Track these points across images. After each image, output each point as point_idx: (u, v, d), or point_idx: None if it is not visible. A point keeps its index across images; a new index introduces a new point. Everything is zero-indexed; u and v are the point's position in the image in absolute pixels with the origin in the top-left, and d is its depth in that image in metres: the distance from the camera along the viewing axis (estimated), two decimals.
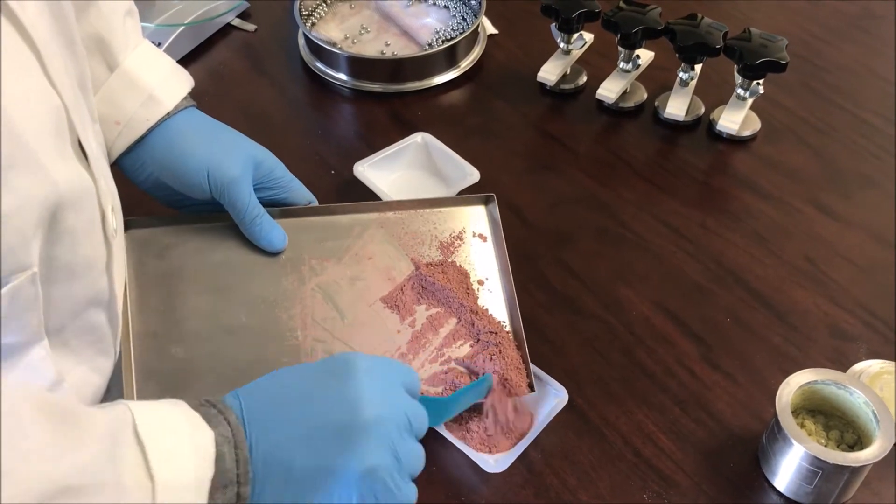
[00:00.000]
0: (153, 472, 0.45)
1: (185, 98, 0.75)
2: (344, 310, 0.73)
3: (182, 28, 1.08)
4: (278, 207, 0.77)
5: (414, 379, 0.59)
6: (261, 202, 0.74)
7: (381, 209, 0.79)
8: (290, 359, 0.70)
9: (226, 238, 0.75)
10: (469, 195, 0.82)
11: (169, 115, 0.73)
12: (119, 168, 0.73)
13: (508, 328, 0.74)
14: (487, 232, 0.79)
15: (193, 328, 0.71)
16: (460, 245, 0.78)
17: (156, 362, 0.69)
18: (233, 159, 0.72)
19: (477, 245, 0.78)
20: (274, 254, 0.75)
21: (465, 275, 0.76)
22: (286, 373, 0.56)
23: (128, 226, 0.73)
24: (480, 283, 0.76)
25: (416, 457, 0.55)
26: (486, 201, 0.80)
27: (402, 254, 0.77)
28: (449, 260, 0.77)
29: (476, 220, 0.80)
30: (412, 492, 0.54)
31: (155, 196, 0.76)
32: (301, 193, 0.78)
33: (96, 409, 0.47)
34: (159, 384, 0.68)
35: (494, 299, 0.76)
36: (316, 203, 0.80)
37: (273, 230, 0.74)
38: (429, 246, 0.77)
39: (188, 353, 0.70)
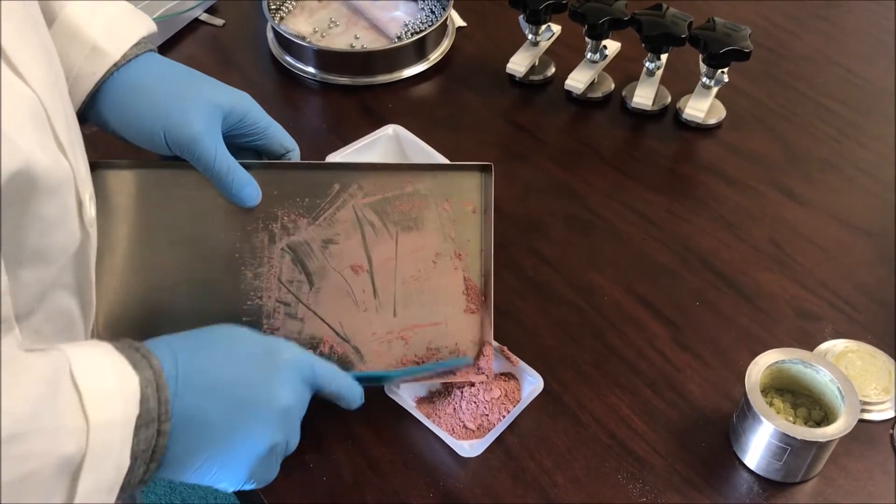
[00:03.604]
0: (88, 413, 0.48)
1: (139, 44, 0.69)
2: (312, 274, 0.72)
3: None
4: (255, 160, 0.72)
5: (321, 370, 0.63)
6: (238, 148, 0.70)
7: (365, 169, 0.74)
8: (252, 318, 0.71)
9: (198, 186, 0.71)
10: (464, 162, 0.76)
11: (118, 66, 0.67)
12: (87, 122, 0.69)
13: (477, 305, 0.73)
14: (478, 203, 0.74)
15: (156, 279, 0.70)
16: (446, 214, 0.74)
17: (118, 309, 0.70)
18: (192, 114, 0.66)
19: (465, 216, 0.74)
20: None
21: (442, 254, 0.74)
22: (221, 340, 0.60)
23: (96, 167, 0.69)
24: (459, 256, 0.74)
25: (296, 444, 0.63)
26: (482, 169, 0.74)
27: (381, 219, 0.73)
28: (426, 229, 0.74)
29: (466, 190, 0.74)
30: (277, 471, 0.62)
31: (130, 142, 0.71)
32: (279, 139, 0.73)
33: (35, 354, 0.49)
34: (118, 326, 0.70)
35: (470, 276, 0.74)
36: (297, 150, 0.75)
37: (245, 186, 0.69)
38: (410, 213, 0.74)
39: (149, 303, 0.70)
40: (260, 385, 0.58)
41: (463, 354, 0.72)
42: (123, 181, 0.71)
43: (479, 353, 0.72)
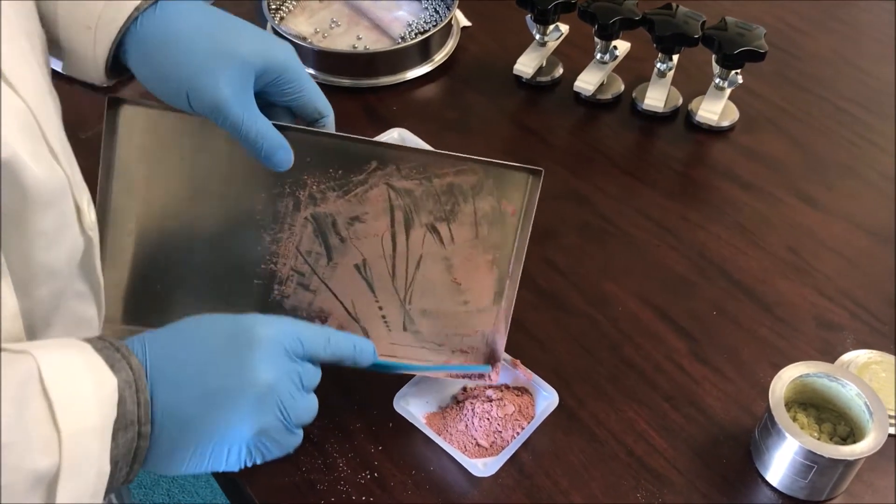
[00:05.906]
0: (59, 423, 0.46)
1: None
2: (332, 248, 0.70)
3: None
4: (291, 125, 0.67)
5: (308, 336, 0.59)
6: (272, 104, 0.65)
7: (408, 152, 0.70)
8: (264, 282, 0.70)
9: (228, 140, 0.65)
10: (513, 163, 0.71)
11: (139, 11, 0.60)
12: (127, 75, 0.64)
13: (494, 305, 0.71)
14: (519, 206, 0.71)
15: (171, 229, 0.68)
16: (483, 212, 0.71)
17: (129, 258, 0.69)
18: (219, 76, 0.60)
19: (502, 217, 0.71)
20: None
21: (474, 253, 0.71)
22: (193, 329, 0.56)
23: (123, 102, 0.66)
24: (488, 257, 0.71)
25: (307, 409, 0.58)
26: (531, 173, 0.71)
27: (414, 205, 0.70)
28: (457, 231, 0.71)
29: (510, 191, 0.71)
30: (298, 438, 0.58)
31: None
32: (314, 103, 0.67)
33: (2, 360, 0.46)
34: (128, 281, 0.69)
35: (493, 279, 0.71)
36: (332, 117, 0.70)
37: (276, 151, 0.64)
38: (445, 205, 0.70)
39: (162, 256, 0.69)
40: (232, 371, 0.55)
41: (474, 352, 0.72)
42: (151, 121, 0.67)
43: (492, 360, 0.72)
